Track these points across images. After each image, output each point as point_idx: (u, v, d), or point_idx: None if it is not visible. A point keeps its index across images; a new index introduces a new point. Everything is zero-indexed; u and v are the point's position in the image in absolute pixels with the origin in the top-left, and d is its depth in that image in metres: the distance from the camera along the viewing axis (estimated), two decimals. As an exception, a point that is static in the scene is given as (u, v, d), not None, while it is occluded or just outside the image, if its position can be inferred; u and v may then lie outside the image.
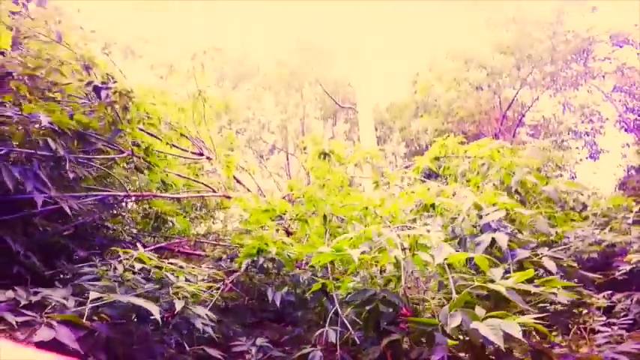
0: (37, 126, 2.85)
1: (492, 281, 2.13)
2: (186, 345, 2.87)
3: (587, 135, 13.95)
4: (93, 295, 2.35)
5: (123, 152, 3.69)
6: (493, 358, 2.18)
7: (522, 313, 2.06)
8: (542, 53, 12.83)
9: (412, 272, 2.45)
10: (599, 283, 3.44)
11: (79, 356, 2.21)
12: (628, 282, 4.14)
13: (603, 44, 12.66)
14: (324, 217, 3.61)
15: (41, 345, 2.07)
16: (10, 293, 2.35)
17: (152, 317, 2.32)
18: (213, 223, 8.97)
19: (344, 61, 15.54)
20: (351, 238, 2.28)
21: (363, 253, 2.13)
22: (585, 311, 2.92)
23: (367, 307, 2.44)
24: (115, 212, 4.82)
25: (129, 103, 3.18)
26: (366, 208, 3.28)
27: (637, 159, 12.47)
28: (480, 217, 2.68)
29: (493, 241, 2.43)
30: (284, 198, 5.16)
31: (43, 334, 2.12)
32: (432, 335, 2.28)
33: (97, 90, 3.24)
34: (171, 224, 6.42)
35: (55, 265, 3.19)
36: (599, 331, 3.01)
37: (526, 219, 2.85)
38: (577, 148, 13.93)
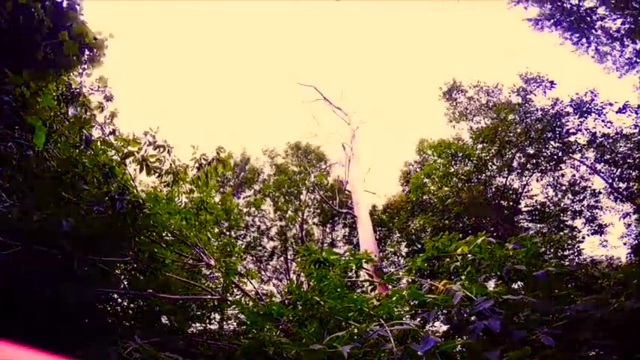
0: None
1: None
2: None
3: (583, 212, 13.91)
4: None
5: (127, 256, 3.87)
6: None
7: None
8: (519, 136, 13.21)
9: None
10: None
11: None
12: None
13: (570, 117, 12.99)
14: (321, 318, 3.62)
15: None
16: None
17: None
18: (209, 323, 8.65)
19: (339, 168, 16.47)
20: (344, 336, 2.31)
21: (353, 348, 2.15)
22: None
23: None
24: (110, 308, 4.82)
25: (139, 214, 3.45)
26: (361, 309, 3.32)
27: None
28: (473, 307, 2.74)
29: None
30: (283, 302, 5.16)
31: None
32: None
33: (112, 200, 3.53)
34: (167, 322, 6.31)
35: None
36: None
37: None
38: (576, 227, 13.75)
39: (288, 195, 16.44)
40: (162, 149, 5.91)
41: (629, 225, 13.47)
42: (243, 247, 15.98)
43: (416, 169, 15.95)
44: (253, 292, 8.15)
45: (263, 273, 16.53)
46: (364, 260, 4.47)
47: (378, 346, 2.32)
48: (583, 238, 13.51)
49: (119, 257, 3.95)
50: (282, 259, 16.51)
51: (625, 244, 13.18)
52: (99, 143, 4.34)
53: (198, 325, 7.86)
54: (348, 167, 15.06)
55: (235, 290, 8.02)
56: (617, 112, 12.62)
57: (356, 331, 2.56)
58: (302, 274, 12.49)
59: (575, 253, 12.04)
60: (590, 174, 13.85)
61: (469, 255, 3.91)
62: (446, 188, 14.11)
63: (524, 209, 14.61)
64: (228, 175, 17.18)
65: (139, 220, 3.73)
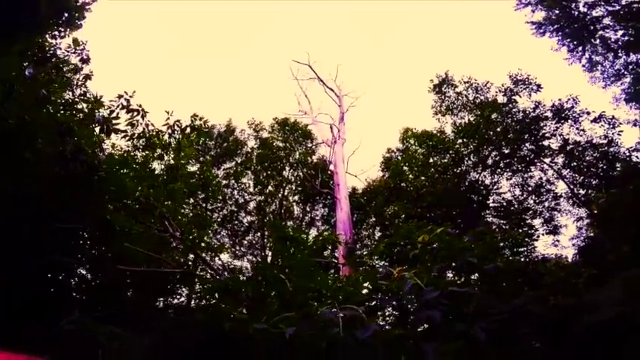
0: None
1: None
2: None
3: (543, 213, 14.72)
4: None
5: (84, 224, 3.83)
6: None
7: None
8: (498, 135, 13.80)
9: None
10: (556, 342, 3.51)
11: None
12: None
13: (549, 122, 13.74)
14: (284, 297, 3.70)
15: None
16: None
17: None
18: (176, 297, 8.65)
19: (324, 148, 16.46)
20: (293, 316, 2.41)
21: (298, 331, 2.25)
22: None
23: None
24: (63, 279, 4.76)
25: (95, 177, 3.38)
26: (320, 291, 3.43)
27: (591, 230, 13.16)
28: (422, 295, 2.88)
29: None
30: (250, 278, 5.22)
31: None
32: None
33: (65, 161, 3.44)
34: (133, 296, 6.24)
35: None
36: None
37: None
38: (534, 226, 14.57)
39: (270, 170, 16.37)
40: (135, 113, 5.80)
41: (581, 228, 14.40)
42: (219, 220, 15.94)
43: (397, 157, 16.28)
44: (221, 267, 8.18)
45: (238, 248, 16.56)
46: (331, 242, 4.58)
47: (327, 329, 2.42)
48: (538, 236, 14.31)
49: (76, 225, 3.89)
50: (258, 234, 16.58)
51: (574, 245, 14.08)
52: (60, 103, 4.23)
53: (166, 299, 7.83)
54: (333, 148, 15.17)
55: (203, 264, 8.01)
56: (591, 121, 13.39)
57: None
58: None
59: (529, 250, 12.70)
60: (555, 178, 14.59)
61: (430, 245, 4.06)
62: (423, 178, 14.61)
63: (491, 205, 15.28)
64: (210, 144, 16.92)
65: (96, 184, 3.67)
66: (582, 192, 14.02)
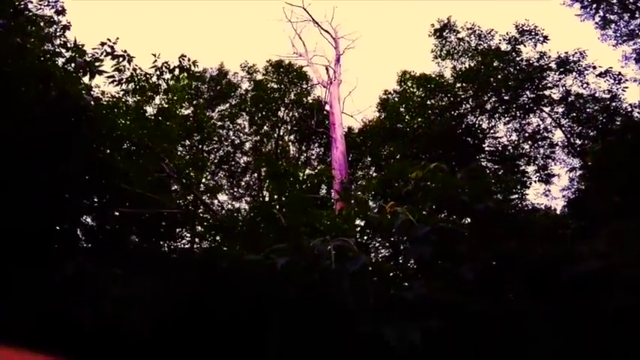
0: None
1: (410, 288, 2.38)
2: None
3: (537, 160, 14.87)
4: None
5: (76, 167, 3.79)
6: None
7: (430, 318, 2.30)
8: (499, 81, 13.67)
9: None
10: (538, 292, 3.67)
11: None
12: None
13: (552, 73, 13.66)
14: (279, 233, 3.78)
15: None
16: None
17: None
18: (178, 241, 8.88)
19: (320, 89, 16.14)
20: (284, 248, 2.48)
21: (289, 261, 2.33)
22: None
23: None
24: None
25: (84, 119, 3.31)
26: (313, 226, 3.50)
27: (583, 182, 13.39)
28: (413, 231, 2.95)
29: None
30: (246, 217, 5.31)
31: None
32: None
33: (51, 105, 3.37)
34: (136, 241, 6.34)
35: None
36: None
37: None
38: (527, 172, 14.74)
39: (265, 111, 16.16)
40: (121, 59, 5.71)
41: (573, 180, 14.56)
42: (216, 161, 16.01)
43: (394, 98, 16.06)
44: (220, 208, 8.29)
45: (235, 189, 16.79)
46: (325, 177, 4.61)
47: (319, 261, 2.50)
48: (530, 184, 14.55)
49: (70, 166, 3.85)
50: (255, 175, 16.72)
51: (564, 197, 14.36)
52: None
53: (170, 243, 7.96)
54: (329, 89, 14.98)
55: (202, 205, 8.11)
56: (597, 76, 13.31)
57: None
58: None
59: (521, 198, 12.95)
60: (553, 127, 14.62)
61: (423, 182, 4.08)
62: (419, 119, 14.52)
63: (486, 148, 15.35)
64: (202, 88, 16.58)
65: (85, 124, 3.61)
66: (579, 142, 14.09)
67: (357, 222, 3.92)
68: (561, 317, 3.31)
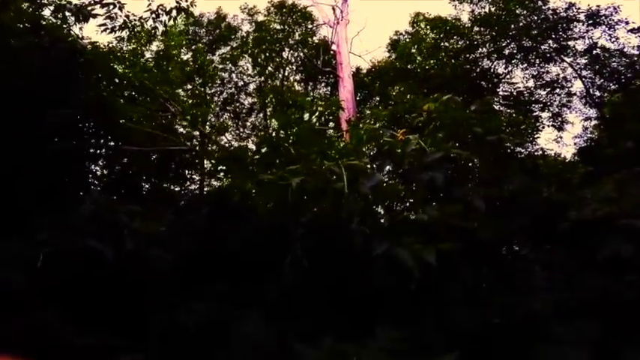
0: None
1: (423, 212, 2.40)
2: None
3: (552, 106, 14.66)
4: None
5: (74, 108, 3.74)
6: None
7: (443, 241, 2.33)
8: (520, 28, 13.10)
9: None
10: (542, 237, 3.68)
11: None
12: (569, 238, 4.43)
13: (579, 24, 13.13)
14: (288, 161, 3.75)
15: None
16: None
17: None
18: (187, 182, 8.92)
19: (326, 29, 15.39)
20: (297, 169, 2.46)
21: (304, 181, 2.32)
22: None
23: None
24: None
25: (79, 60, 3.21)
26: (324, 152, 3.45)
27: (597, 132, 13.24)
28: (424, 159, 2.92)
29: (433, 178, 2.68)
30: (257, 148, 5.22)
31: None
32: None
33: (44, 50, 3.26)
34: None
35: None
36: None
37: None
38: (541, 117, 14.65)
39: (268, 52, 15.56)
40: (112, 6, 5.51)
41: (587, 129, 14.47)
42: (220, 103, 15.73)
43: (406, 39, 15.35)
44: (228, 146, 8.23)
45: (241, 130, 16.64)
46: (334, 107, 4.51)
47: (332, 183, 2.50)
48: (543, 127, 14.46)
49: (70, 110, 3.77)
50: (261, 115, 16.48)
51: (576, 144, 14.27)
52: None
53: (181, 186, 7.95)
54: (335, 29, 14.24)
55: (210, 145, 8.03)
56: (628, 31, 12.88)
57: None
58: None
59: (531, 141, 12.85)
60: (573, 77, 14.30)
61: (435, 114, 3.99)
62: (432, 61, 13.98)
63: (500, 93, 14.97)
64: (201, 32, 15.89)
65: (83, 67, 3.51)
66: (598, 94, 13.76)
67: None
68: (559, 260, 3.37)
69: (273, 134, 4.02)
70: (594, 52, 13.16)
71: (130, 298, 2.85)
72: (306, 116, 4.32)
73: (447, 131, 3.71)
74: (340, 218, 2.58)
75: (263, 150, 3.87)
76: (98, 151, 5.40)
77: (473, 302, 2.58)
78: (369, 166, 2.62)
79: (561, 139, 14.86)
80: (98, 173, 5.76)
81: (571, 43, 13.39)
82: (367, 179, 2.27)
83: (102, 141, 5.43)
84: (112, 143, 5.44)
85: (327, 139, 4.18)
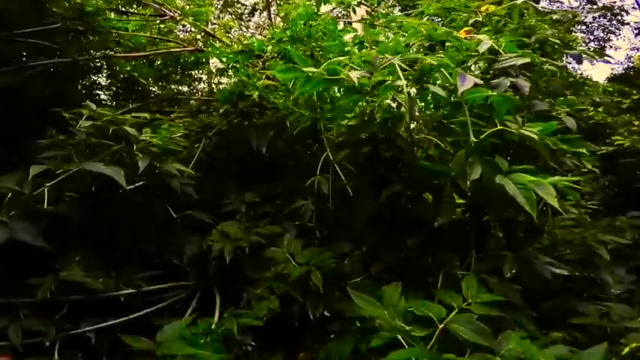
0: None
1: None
2: (171, 211, 2.64)
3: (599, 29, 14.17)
4: (34, 170, 1.91)
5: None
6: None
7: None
8: None
9: (417, 112, 2.15)
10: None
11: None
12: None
13: None
14: (311, 55, 3.10)
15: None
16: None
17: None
18: (194, 82, 8.29)
19: None
20: (346, 60, 1.83)
21: (363, 77, 1.71)
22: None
23: (363, 151, 2.16)
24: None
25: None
26: (361, 42, 2.77)
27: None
28: (495, 62, 2.28)
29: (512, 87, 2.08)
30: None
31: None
32: (440, 188, 2.04)
33: None
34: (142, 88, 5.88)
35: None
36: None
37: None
38: (584, 39, 14.12)
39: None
40: None
41: (629, 58, 14.30)
42: (219, 6, 14.25)
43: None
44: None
45: (245, 30, 15.30)
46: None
47: (386, 84, 1.86)
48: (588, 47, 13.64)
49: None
50: (265, 14, 15.03)
51: (612, 69, 13.70)
52: None
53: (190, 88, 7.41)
54: None
55: (214, 43, 7.27)
56: None
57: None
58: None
59: (565, 64, 12.11)
60: (632, 8, 14.02)
61: (495, 16, 3.23)
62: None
63: (539, 7, 13.65)
64: None
65: None
66: None
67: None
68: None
69: (292, 27, 3.27)
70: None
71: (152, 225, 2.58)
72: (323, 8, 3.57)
73: (511, 39, 2.98)
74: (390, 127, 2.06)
75: (284, 41, 3.16)
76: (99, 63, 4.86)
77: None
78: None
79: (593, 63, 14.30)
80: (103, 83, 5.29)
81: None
82: (459, 79, 1.63)
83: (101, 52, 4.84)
84: (111, 53, 4.83)
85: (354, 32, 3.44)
